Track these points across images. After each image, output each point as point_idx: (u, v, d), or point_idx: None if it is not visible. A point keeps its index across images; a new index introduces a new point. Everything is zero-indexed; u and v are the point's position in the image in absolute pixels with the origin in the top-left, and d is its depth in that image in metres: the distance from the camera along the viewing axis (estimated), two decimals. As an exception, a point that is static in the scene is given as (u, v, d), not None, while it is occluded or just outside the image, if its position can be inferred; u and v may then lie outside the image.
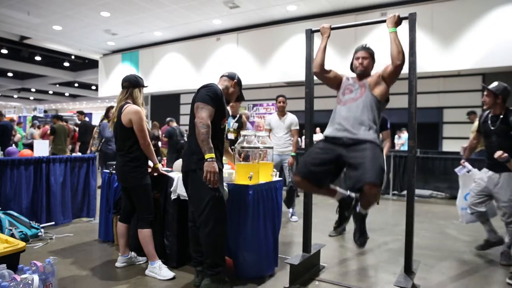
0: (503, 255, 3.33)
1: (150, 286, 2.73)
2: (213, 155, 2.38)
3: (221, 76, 2.81)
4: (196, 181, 2.48)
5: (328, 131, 2.65)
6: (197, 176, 2.45)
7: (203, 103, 2.45)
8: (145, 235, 2.88)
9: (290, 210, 5.02)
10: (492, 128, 3.33)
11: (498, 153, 2.92)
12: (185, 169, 2.60)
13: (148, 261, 2.96)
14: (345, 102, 2.65)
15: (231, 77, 2.78)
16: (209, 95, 2.47)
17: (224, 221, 2.53)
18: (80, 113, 8.43)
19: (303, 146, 9.07)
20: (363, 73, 2.69)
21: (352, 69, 2.80)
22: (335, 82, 2.82)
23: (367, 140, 2.45)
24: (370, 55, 2.71)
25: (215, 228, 2.45)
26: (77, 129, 8.92)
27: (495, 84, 3.31)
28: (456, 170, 3.76)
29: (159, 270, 2.85)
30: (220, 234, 2.50)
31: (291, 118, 4.95)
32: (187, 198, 2.78)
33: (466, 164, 3.67)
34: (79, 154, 6.05)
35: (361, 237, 2.61)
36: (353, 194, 2.53)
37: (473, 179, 3.56)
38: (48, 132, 8.04)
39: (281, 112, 4.98)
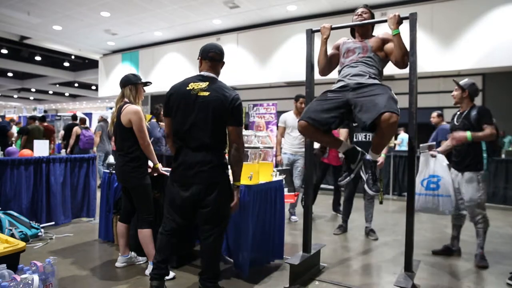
0: (477, 256, 3.33)
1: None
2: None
3: (210, 60, 2.39)
4: (222, 193, 2.33)
5: (333, 86, 2.63)
6: (222, 189, 2.33)
7: (242, 126, 2.35)
8: (145, 235, 2.88)
9: (290, 210, 5.02)
10: (456, 124, 3.43)
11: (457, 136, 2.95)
12: (211, 180, 2.29)
13: (148, 261, 2.96)
14: (348, 63, 2.64)
15: (222, 59, 2.46)
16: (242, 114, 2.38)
17: None
18: (73, 117, 9.03)
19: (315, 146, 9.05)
20: (362, 26, 2.70)
21: (352, 34, 2.83)
22: (339, 60, 2.82)
23: (373, 83, 2.44)
24: (370, 12, 2.77)
25: (221, 237, 2.42)
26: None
27: (464, 80, 3.42)
28: (421, 146, 3.54)
29: (159, 270, 2.84)
30: (222, 242, 2.50)
31: None
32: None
33: (437, 153, 3.52)
34: (63, 152, 6.30)
35: (374, 184, 2.61)
36: (358, 148, 2.62)
37: (433, 166, 3.46)
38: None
39: (300, 113, 4.91)
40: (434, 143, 3.61)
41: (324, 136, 2.59)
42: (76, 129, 7.89)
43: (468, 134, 3.18)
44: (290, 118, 4.97)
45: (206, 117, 2.26)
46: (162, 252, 2.39)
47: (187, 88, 2.33)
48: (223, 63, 2.47)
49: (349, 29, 2.89)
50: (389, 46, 2.61)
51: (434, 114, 5.90)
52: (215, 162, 2.28)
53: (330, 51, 2.86)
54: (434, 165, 3.45)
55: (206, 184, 2.28)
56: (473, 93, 3.38)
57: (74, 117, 8.90)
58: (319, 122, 2.45)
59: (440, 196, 3.34)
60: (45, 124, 8.75)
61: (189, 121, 2.28)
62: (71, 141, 7.86)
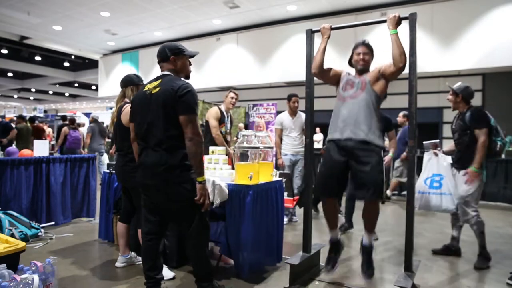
0: (479, 257, 3.30)
1: (150, 286, 2.73)
2: (204, 177, 2.25)
3: (159, 62, 2.40)
4: (181, 194, 2.22)
5: (332, 134, 2.74)
6: (181, 190, 2.21)
7: (194, 114, 2.19)
8: (145, 235, 2.88)
9: (291, 210, 5.01)
10: (453, 126, 3.48)
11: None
12: (166, 182, 2.21)
13: (148, 261, 2.96)
14: (345, 99, 2.72)
15: (168, 55, 2.36)
16: (195, 103, 2.22)
17: (209, 227, 2.43)
18: (63, 117, 9.55)
19: (318, 146, 9.06)
20: (363, 69, 2.76)
21: (350, 64, 2.87)
22: (334, 79, 2.87)
23: (370, 143, 2.57)
24: (370, 51, 2.80)
25: (201, 236, 2.34)
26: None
27: (458, 84, 3.45)
28: (425, 143, 3.64)
29: (159, 270, 2.84)
30: (208, 241, 2.46)
31: (304, 117, 4.90)
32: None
33: (440, 153, 3.59)
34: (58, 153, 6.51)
35: (368, 269, 2.72)
36: (342, 240, 2.90)
37: (436, 165, 3.52)
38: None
39: (294, 112, 4.89)
40: (438, 140, 3.67)
41: (336, 206, 2.92)
42: (65, 130, 8.06)
43: (472, 168, 3.18)
44: (286, 119, 4.90)
45: (158, 114, 2.21)
46: (148, 260, 2.37)
47: (144, 89, 2.35)
48: (175, 57, 2.37)
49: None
50: (385, 65, 2.65)
51: (401, 114, 6.08)
52: (171, 163, 2.19)
53: (331, 64, 2.88)
54: (438, 164, 3.52)
55: (161, 185, 2.23)
56: (467, 96, 3.38)
57: (63, 117, 9.27)
58: (338, 194, 2.90)
59: (443, 195, 3.42)
60: (35, 124, 8.98)
61: (146, 121, 2.26)
62: (59, 141, 8.06)
